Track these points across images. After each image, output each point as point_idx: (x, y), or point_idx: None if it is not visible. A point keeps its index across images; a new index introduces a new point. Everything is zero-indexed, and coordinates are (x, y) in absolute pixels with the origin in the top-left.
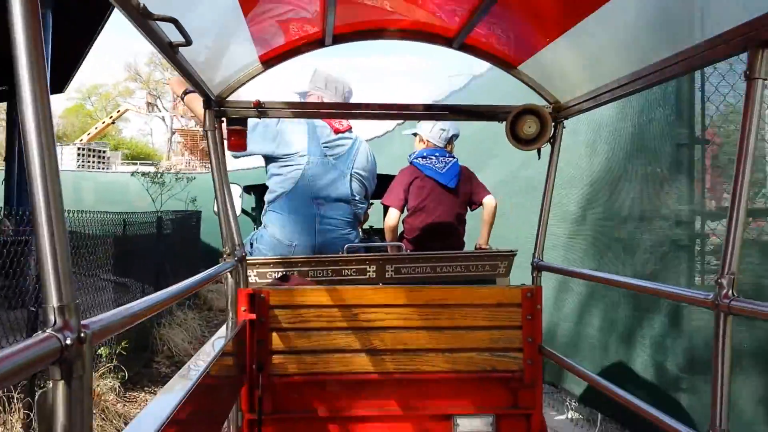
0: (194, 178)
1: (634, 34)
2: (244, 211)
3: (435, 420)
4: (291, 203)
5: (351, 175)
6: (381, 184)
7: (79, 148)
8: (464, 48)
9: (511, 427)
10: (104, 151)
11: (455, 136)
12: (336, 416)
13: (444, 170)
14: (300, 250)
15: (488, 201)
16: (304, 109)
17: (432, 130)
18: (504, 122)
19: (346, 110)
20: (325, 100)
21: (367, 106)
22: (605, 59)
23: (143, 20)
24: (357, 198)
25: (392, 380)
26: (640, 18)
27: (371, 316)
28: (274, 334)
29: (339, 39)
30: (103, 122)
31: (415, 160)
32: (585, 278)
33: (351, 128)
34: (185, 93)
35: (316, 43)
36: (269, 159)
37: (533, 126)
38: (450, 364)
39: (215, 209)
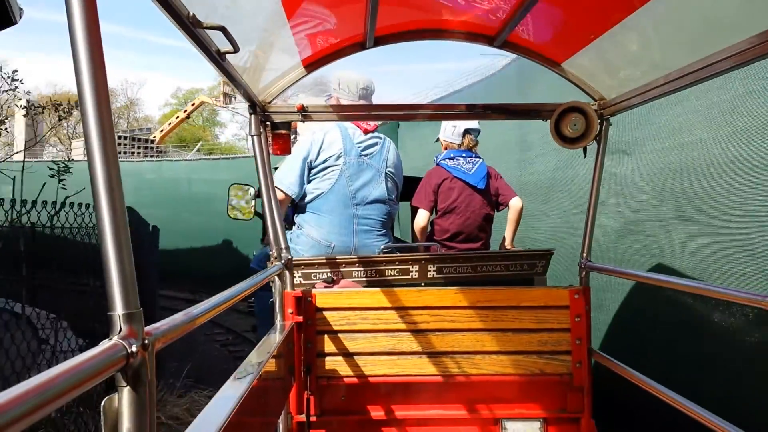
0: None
1: (683, 28)
2: (257, 213)
3: (482, 423)
4: (328, 204)
5: (385, 174)
6: (405, 186)
7: (119, 137)
8: (506, 46)
9: (560, 431)
10: (151, 140)
11: (472, 131)
12: (383, 419)
13: (472, 171)
14: (338, 251)
15: (515, 203)
16: (347, 112)
17: (445, 131)
18: (548, 120)
19: (390, 111)
20: (342, 101)
21: (412, 107)
22: (653, 54)
23: (192, 29)
24: (392, 198)
25: (439, 383)
26: (689, 11)
27: (417, 318)
28: (322, 337)
29: (380, 41)
30: (177, 117)
31: (442, 162)
32: (634, 279)
33: (377, 128)
34: None
35: (357, 45)
36: (309, 165)
37: (578, 124)
38: (497, 366)
39: (229, 212)
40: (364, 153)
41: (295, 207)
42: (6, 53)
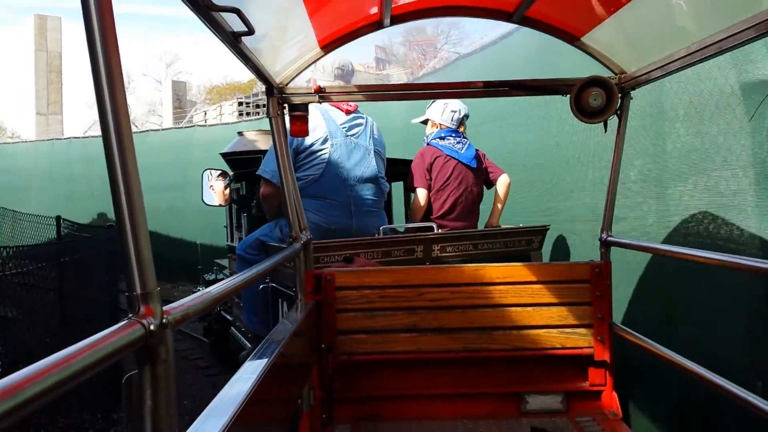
0: None
1: None
2: (233, 200)
3: (504, 398)
4: (323, 188)
5: (374, 152)
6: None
7: (239, 103)
8: (525, 21)
9: (582, 404)
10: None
11: (466, 116)
12: (404, 395)
13: (463, 151)
14: (338, 233)
15: (504, 179)
16: (365, 92)
17: (444, 113)
18: (568, 95)
19: (408, 90)
20: (319, 82)
21: (429, 86)
22: (674, 26)
23: (206, 11)
24: (382, 175)
25: (460, 359)
26: None
27: (437, 296)
28: (342, 315)
29: (397, 19)
30: None
31: (433, 141)
32: (661, 254)
33: (358, 108)
34: None
35: (374, 24)
36: (294, 152)
37: (599, 98)
38: (518, 341)
39: (205, 199)
40: (349, 133)
41: None
42: (179, 49)
